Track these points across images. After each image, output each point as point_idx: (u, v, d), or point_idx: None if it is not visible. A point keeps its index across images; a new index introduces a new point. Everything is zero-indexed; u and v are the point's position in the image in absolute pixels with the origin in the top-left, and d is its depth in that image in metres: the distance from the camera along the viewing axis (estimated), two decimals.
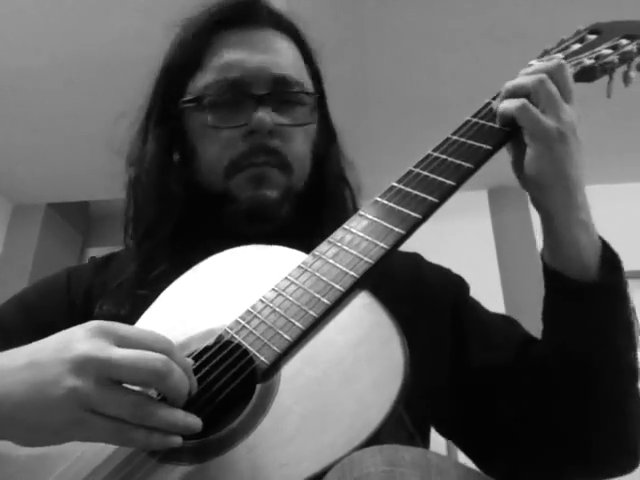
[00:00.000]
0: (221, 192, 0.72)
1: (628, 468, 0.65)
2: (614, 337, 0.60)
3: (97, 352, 0.43)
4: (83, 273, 0.77)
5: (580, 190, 0.59)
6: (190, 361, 0.50)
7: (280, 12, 0.77)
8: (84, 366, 0.43)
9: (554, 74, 0.59)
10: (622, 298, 0.61)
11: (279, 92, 0.72)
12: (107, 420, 0.43)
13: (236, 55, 0.72)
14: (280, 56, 0.74)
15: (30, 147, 3.12)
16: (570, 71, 0.62)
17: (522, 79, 0.60)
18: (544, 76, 0.58)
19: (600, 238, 0.62)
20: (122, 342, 0.45)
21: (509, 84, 0.61)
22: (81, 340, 0.44)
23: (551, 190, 0.59)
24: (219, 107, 0.71)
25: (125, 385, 0.45)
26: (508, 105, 0.59)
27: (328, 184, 0.77)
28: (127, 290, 0.70)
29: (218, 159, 0.71)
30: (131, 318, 0.59)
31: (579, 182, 0.59)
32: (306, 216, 0.74)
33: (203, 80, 0.73)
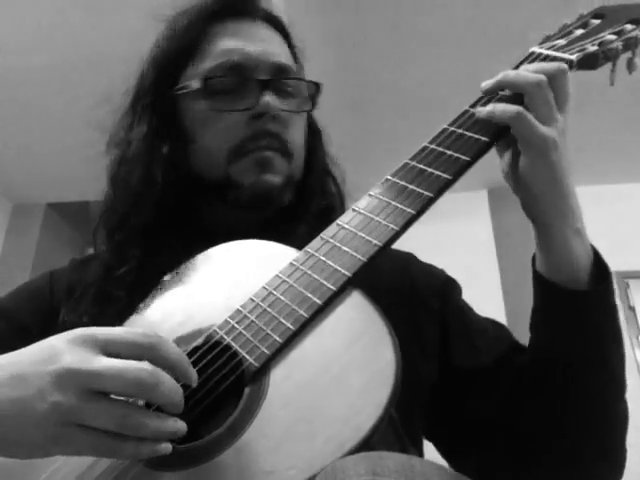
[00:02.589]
0: (221, 178, 0.71)
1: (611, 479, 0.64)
2: (602, 346, 0.59)
3: (80, 364, 0.41)
4: (64, 275, 0.76)
5: (573, 198, 0.58)
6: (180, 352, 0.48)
7: (269, 9, 0.78)
8: (68, 379, 0.41)
9: (554, 79, 0.57)
10: (612, 307, 0.60)
11: (279, 79, 0.72)
12: (93, 434, 0.41)
13: (235, 42, 0.72)
14: (276, 47, 0.75)
15: (30, 147, 3.12)
16: (573, 59, 0.60)
17: (519, 77, 0.58)
18: (544, 80, 0.56)
19: (591, 246, 0.61)
20: (106, 348, 0.43)
21: (505, 77, 0.59)
22: (63, 352, 0.43)
23: (545, 197, 0.58)
24: (222, 91, 0.71)
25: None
26: (502, 111, 0.57)
27: (315, 177, 0.77)
28: (93, 294, 0.68)
29: (219, 144, 0.70)
30: (100, 321, 0.57)
31: (571, 190, 0.58)
32: (293, 209, 0.73)
33: (202, 66, 0.72)
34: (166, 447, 0.43)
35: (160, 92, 0.74)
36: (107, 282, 0.69)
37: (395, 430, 0.54)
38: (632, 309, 3.11)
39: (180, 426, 0.44)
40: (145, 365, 0.42)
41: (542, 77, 0.56)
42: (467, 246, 3.14)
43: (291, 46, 0.79)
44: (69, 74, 2.55)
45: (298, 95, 0.74)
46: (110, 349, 0.43)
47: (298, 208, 0.74)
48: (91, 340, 0.43)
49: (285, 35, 0.79)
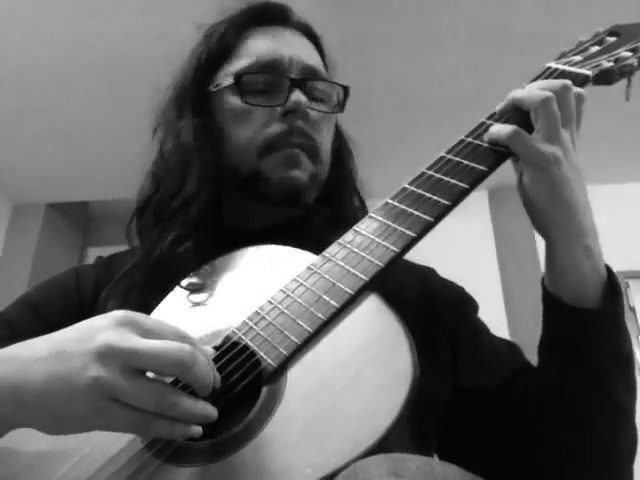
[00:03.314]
0: (251, 172, 0.72)
1: None
2: (602, 371, 0.58)
3: (122, 342, 0.43)
4: (90, 271, 0.77)
5: (584, 215, 0.58)
6: (211, 350, 0.50)
7: (306, 22, 0.81)
8: (109, 356, 0.42)
9: (559, 96, 0.57)
10: (617, 328, 0.59)
11: (309, 79, 0.75)
12: (129, 410, 0.43)
13: (268, 44, 0.75)
14: (306, 50, 0.78)
15: (30, 147, 3.11)
16: (589, 74, 0.61)
17: (525, 94, 0.59)
18: (550, 96, 0.57)
19: (606, 266, 0.60)
20: (146, 334, 0.45)
21: (514, 96, 0.60)
22: (105, 329, 0.44)
23: (549, 212, 0.58)
24: (254, 88, 0.73)
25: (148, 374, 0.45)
26: (499, 133, 0.58)
27: (341, 184, 0.79)
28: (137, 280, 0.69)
29: (251, 139, 0.72)
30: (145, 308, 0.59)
31: (580, 206, 0.57)
32: (316, 213, 0.76)
33: (238, 64, 0.75)
34: (197, 429, 0.44)
35: (198, 90, 0.76)
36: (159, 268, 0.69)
37: (410, 431, 0.55)
38: (632, 309, 3.09)
39: (211, 410, 0.45)
40: (184, 346, 0.44)
41: (548, 94, 0.57)
42: (467, 246, 3.13)
43: (322, 54, 0.81)
44: (70, 74, 2.54)
45: (328, 100, 0.77)
46: (148, 337, 0.45)
47: (329, 215, 0.75)
48: (132, 323, 0.45)
49: (316, 43, 0.81)
